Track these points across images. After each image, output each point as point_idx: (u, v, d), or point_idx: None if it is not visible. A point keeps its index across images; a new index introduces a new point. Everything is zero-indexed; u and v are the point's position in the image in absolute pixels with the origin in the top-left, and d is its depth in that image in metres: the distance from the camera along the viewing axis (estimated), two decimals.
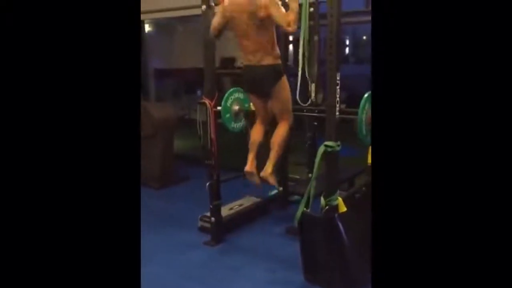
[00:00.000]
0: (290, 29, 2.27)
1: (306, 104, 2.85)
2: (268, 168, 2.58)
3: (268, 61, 2.43)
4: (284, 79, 2.52)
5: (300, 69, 2.74)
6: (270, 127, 2.75)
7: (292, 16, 2.26)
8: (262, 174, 2.60)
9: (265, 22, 2.33)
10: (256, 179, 2.67)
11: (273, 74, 2.46)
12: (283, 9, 2.31)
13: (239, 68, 2.57)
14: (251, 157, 2.65)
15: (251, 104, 2.79)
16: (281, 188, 3.22)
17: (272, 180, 2.64)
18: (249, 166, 2.64)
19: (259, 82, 2.50)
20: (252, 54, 2.44)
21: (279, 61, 2.49)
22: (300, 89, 2.76)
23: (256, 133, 2.70)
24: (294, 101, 2.70)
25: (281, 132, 2.60)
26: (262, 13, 2.28)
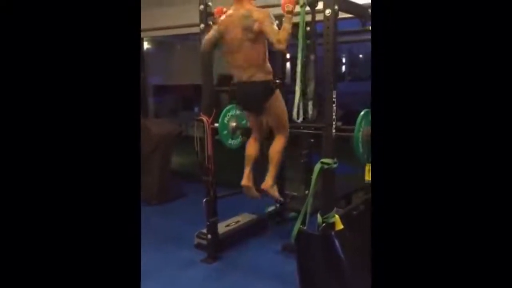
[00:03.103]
0: (280, 46, 2.28)
1: (300, 121, 2.85)
2: (269, 180, 2.62)
3: (259, 77, 2.44)
4: (278, 93, 2.52)
5: (298, 87, 2.75)
6: (265, 140, 2.78)
7: (283, 35, 2.28)
8: (263, 186, 2.63)
9: (258, 37, 2.36)
10: (253, 193, 2.70)
11: (265, 89, 2.46)
12: (276, 28, 2.34)
13: (233, 84, 2.58)
14: (247, 171, 2.68)
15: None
16: (282, 199, 3.19)
17: (273, 192, 2.67)
18: (245, 180, 2.67)
19: (251, 99, 2.52)
20: (243, 70, 2.45)
21: (271, 77, 2.49)
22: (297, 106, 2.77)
23: (252, 148, 2.74)
24: (290, 118, 2.71)
25: (277, 145, 2.64)
26: (256, 27, 2.31)
